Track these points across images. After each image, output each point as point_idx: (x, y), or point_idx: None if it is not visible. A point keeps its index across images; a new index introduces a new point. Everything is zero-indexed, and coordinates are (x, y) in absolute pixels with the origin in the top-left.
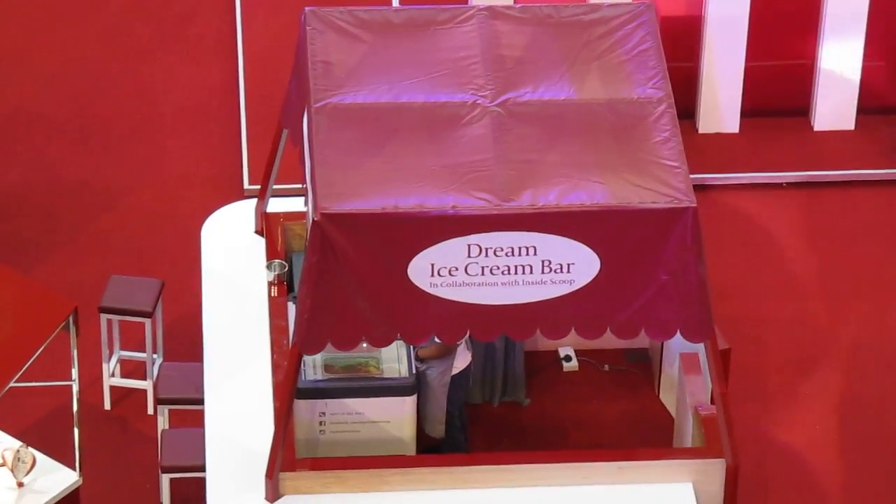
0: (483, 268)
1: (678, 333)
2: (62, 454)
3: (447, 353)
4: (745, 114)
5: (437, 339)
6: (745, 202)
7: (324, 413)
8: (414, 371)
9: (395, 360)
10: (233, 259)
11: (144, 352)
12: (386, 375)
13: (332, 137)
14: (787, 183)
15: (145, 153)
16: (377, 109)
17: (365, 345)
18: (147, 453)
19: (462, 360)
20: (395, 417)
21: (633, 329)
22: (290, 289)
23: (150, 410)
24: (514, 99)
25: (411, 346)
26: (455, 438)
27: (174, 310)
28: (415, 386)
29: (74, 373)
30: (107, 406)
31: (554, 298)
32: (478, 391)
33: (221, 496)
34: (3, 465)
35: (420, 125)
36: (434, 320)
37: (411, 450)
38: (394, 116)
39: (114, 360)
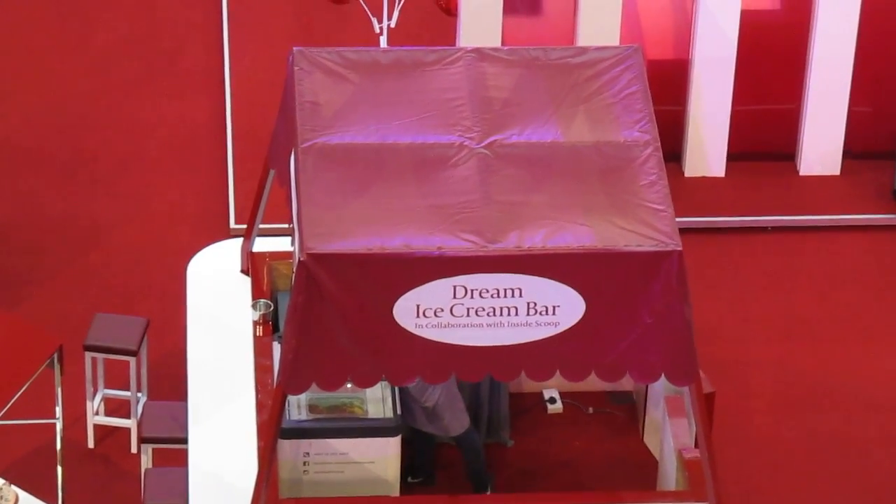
0: (468, 309)
1: (663, 376)
2: (45, 492)
3: None
4: (731, 157)
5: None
6: (730, 246)
7: (308, 453)
8: (399, 412)
9: (379, 400)
10: (218, 298)
11: (129, 390)
12: (370, 416)
13: (319, 177)
14: (772, 227)
15: (132, 190)
16: (364, 150)
17: (350, 385)
18: (130, 492)
19: None
20: (380, 458)
21: (617, 372)
22: (276, 328)
23: (134, 449)
24: (501, 141)
25: (396, 387)
26: (474, 441)
27: (159, 348)
28: (399, 427)
29: (58, 410)
30: (90, 444)
31: (539, 340)
32: None
33: None
34: None
35: (407, 166)
36: (419, 361)
37: (395, 490)
38: (381, 157)
39: (98, 398)
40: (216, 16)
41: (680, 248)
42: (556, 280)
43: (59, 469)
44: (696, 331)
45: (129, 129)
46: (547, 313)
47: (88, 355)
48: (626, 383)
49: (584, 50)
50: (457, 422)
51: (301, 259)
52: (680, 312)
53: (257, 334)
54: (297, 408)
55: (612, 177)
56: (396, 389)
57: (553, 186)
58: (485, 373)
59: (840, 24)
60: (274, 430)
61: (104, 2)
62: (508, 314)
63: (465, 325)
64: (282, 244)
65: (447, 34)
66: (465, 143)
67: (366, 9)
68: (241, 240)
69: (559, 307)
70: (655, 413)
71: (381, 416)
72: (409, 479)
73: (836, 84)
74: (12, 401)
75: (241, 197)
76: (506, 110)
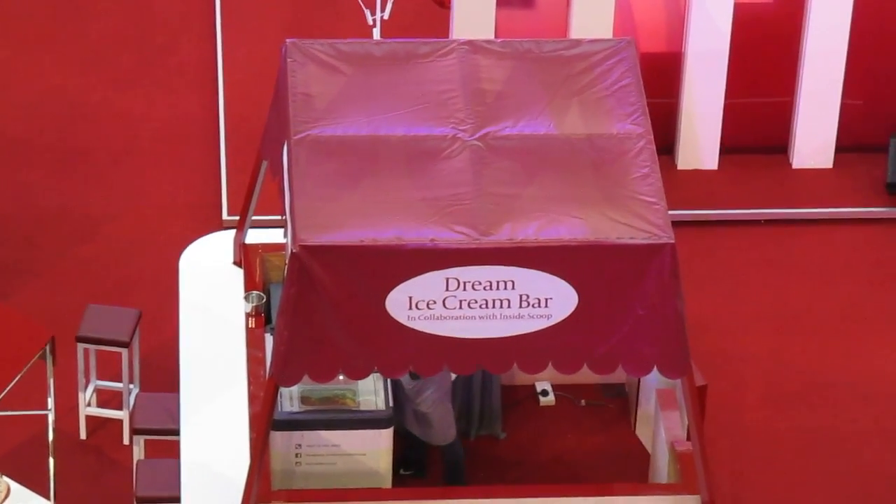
0: (461, 301)
1: (655, 369)
2: (37, 483)
3: None
4: (724, 150)
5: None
6: (723, 239)
7: (300, 445)
8: (391, 404)
9: (371, 392)
10: (211, 290)
11: (121, 381)
12: (362, 408)
13: (312, 169)
14: (765, 220)
15: (124, 182)
16: (357, 142)
17: (342, 377)
18: (122, 483)
19: None
20: (372, 450)
21: (610, 364)
22: (268, 320)
23: (126, 440)
24: (494, 133)
25: (388, 379)
26: (456, 450)
27: (151, 340)
28: (391, 419)
29: (50, 402)
30: (82, 435)
31: (531, 333)
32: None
33: None
34: None
35: (400, 158)
36: (411, 353)
37: (387, 482)
38: (373, 149)
39: (90, 389)
40: (209, 9)
41: (673, 241)
42: (549, 272)
43: (51, 460)
44: (689, 324)
45: (123, 121)
46: (539, 306)
47: (81, 346)
48: (619, 376)
49: (578, 42)
50: (443, 433)
51: (294, 251)
52: (672, 305)
53: (250, 326)
54: (290, 399)
55: (605, 169)
56: (389, 382)
57: (546, 179)
58: (477, 365)
59: (833, 18)
60: (266, 421)
61: None
62: (501, 306)
63: (457, 318)
64: (274, 236)
65: (440, 26)
66: (458, 136)
67: (359, 1)
68: (233, 231)
69: (552, 299)
70: (648, 406)
71: (373, 408)
72: (402, 472)
73: (830, 77)
74: (4, 392)
75: (234, 190)
76: (499, 102)
